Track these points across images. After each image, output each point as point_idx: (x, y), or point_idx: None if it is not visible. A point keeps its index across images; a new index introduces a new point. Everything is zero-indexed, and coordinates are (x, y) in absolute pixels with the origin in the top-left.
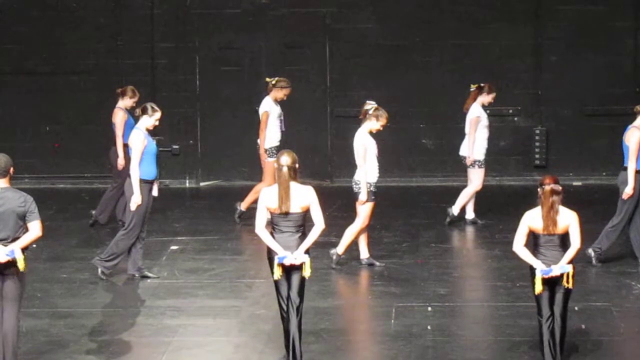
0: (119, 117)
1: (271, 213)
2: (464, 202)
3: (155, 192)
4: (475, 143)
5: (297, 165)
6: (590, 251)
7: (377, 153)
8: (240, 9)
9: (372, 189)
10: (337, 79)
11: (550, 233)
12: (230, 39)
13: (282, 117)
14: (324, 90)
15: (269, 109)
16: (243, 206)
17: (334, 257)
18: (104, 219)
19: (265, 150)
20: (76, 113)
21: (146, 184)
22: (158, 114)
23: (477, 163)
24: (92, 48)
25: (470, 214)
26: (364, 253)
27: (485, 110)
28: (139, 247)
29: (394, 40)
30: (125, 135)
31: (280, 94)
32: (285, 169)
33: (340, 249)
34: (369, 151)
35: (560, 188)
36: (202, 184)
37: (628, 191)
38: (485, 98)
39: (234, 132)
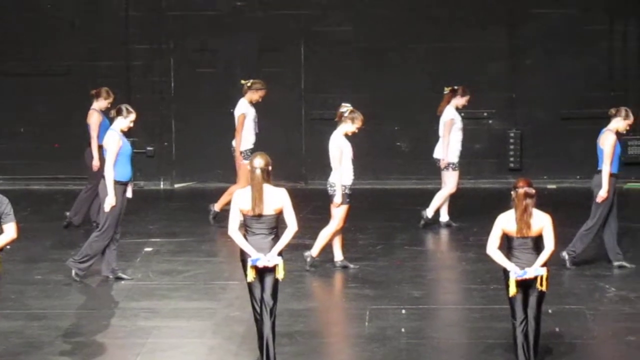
0: (94, 119)
1: (244, 215)
2: (438, 205)
3: (129, 194)
4: (449, 146)
5: (270, 168)
6: (565, 254)
7: (352, 155)
8: (215, 11)
9: (347, 191)
10: (312, 82)
11: (524, 236)
12: (205, 41)
13: (256, 120)
14: (299, 93)
15: (246, 111)
16: (217, 207)
17: (308, 260)
18: (78, 220)
19: (240, 153)
20: (51, 114)
21: (120, 185)
22: (133, 116)
23: (451, 165)
24: (67, 50)
25: (444, 217)
26: (338, 255)
27: (459, 113)
28: (113, 248)
29: (368, 43)
30: (100, 136)
31: (255, 95)
32: (258, 172)
33: (315, 251)
34: (344, 154)
35: (533, 191)
36: (176, 185)
37: (602, 194)
38: (459, 101)
39: (209, 134)
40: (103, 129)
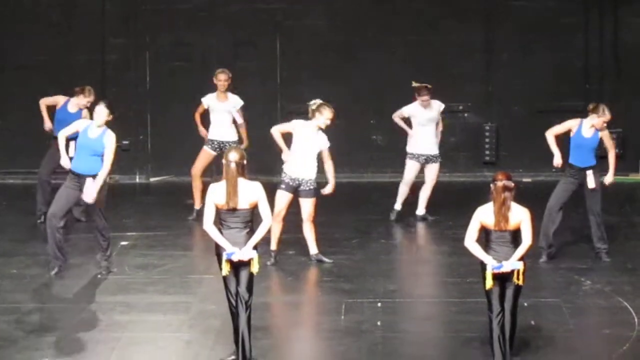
0: (55, 98)
1: (219, 209)
2: (426, 200)
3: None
4: (410, 137)
5: (245, 162)
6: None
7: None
8: (191, 4)
9: (287, 180)
10: (288, 76)
11: (502, 229)
12: (181, 35)
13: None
14: (275, 87)
15: (207, 103)
16: (197, 204)
17: (273, 256)
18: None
19: (211, 142)
20: (27, 108)
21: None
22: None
23: (408, 155)
24: (43, 43)
25: (421, 210)
26: (313, 249)
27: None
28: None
29: (344, 36)
30: (56, 128)
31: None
32: (233, 165)
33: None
34: (296, 142)
35: (512, 184)
36: (152, 179)
37: (557, 160)
38: (420, 98)
39: (184, 128)
40: (59, 122)
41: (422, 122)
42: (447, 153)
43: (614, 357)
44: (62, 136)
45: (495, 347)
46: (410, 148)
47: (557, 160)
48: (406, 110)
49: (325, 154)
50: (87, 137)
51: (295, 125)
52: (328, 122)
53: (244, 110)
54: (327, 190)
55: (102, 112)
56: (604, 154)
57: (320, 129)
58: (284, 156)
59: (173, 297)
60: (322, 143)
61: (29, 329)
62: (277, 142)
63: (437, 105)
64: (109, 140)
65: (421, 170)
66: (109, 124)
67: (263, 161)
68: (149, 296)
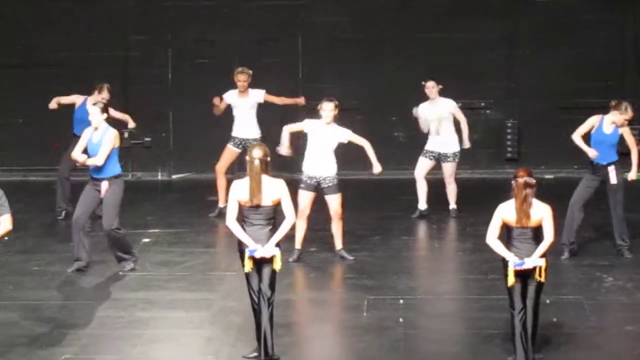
0: (75, 97)
1: (242, 206)
2: (452, 196)
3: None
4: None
5: (268, 159)
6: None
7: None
8: (213, 1)
9: (305, 179)
10: (310, 72)
11: (524, 226)
12: (202, 32)
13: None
14: (296, 83)
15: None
16: (221, 203)
17: (296, 254)
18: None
19: (233, 139)
20: (47, 107)
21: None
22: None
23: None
24: (64, 40)
25: (451, 205)
26: (338, 245)
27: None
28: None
29: (366, 33)
30: (75, 127)
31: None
32: (257, 162)
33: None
34: (311, 141)
35: (534, 181)
36: (174, 176)
37: (592, 153)
38: (425, 85)
39: (206, 125)
40: (78, 120)
41: (426, 121)
42: (469, 150)
43: (636, 354)
44: (76, 154)
45: (517, 344)
46: (428, 145)
47: (592, 153)
48: (420, 112)
49: (355, 140)
50: (92, 143)
51: (306, 125)
52: (329, 112)
53: (270, 93)
54: (376, 170)
55: (94, 112)
56: (625, 150)
57: (329, 123)
58: (278, 148)
59: (195, 294)
60: (342, 136)
61: (51, 325)
62: (282, 138)
63: (445, 104)
64: (106, 137)
65: (440, 167)
66: (114, 122)
67: (285, 158)
68: (170, 293)
